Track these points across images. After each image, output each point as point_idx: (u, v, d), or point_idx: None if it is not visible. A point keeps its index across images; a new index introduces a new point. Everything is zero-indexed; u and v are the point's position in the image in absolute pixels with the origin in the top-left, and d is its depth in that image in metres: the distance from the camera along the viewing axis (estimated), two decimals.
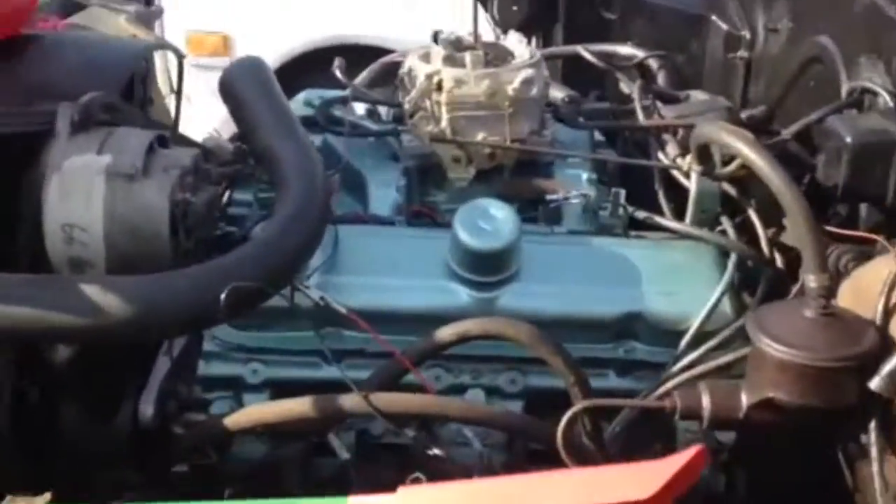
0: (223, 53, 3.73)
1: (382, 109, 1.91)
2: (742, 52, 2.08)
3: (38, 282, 1.21)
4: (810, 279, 1.23)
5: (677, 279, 1.48)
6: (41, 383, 1.35)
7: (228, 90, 1.58)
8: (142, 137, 1.36)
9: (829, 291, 1.22)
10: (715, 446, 1.43)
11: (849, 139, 1.41)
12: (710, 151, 1.50)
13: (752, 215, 1.55)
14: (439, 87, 1.64)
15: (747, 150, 1.33)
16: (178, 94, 1.84)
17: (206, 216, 1.39)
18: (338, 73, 1.94)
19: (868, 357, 1.08)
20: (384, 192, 1.66)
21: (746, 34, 2.08)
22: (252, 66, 1.61)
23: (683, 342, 1.42)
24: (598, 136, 1.90)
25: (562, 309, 1.44)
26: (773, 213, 1.56)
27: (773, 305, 1.26)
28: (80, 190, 1.29)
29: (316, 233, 1.33)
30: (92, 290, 1.16)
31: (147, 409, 1.34)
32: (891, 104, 1.47)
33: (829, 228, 1.36)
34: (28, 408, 1.36)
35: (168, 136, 1.46)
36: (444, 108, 1.63)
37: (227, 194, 1.66)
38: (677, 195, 1.66)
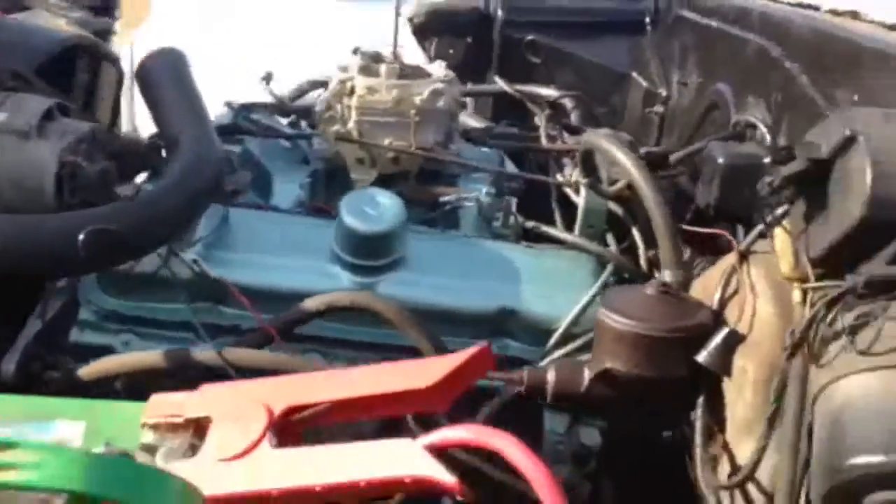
0: None
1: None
2: (658, 108, 2.20)
3: None
4: (666, 274, 1.29)
5: (555, 283, 1.52)
6: None
7: (145, 77, 1.63)
8: (41, 103, 1.41)
9: (683, 287, 1.28)
10: (581, 451, 1.45)
11: (721, 160, 1.50)
12: (594, 161, 1.58)
13: (635, 233, 1.62)
14: (351, 92, 1.72)
15: (620, 155, 1.41)
16: (117, 97, 1.91)
17: (96, 183, 1.42)
18: (265, 85, 2.01)
19: (697, 331, 1.12)
20: (288, 188, 1.71)
21: (663, 91, 2.21)
22: (170, 55, 1.67)
23: (552, 340, 1.45)
24: (511, 167, 1.98)
25: (439, 300, 1.47)
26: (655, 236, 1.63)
27: (620, 287, 1.31)
28: None
29: (195, 200, 1.36)
30: None
31: (9, 366, 1.34)
32: (767, 136, 1.56)
33: (683, 227, 1.42)
34: None
35: (71, 107, 1.51)
36: (353, 112, 1.71)
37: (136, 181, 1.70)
38: (571, 214, 1.73)
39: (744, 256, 1.17)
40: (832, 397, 0.86)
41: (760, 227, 1.16)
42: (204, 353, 1.26)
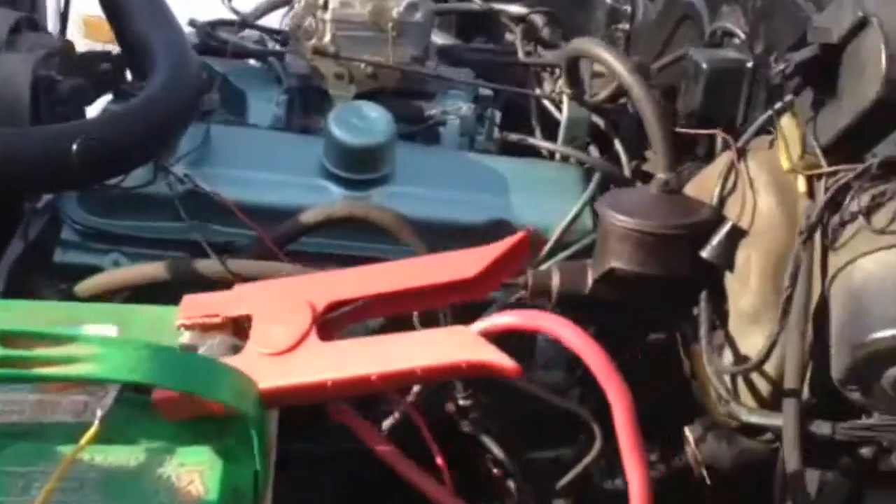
0: None
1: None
2: (623, 25, 2.19)
3: None
4: (661, 177, 1.31)
5: (544, 192, 1.53)
6: None
7: None
8: (7, 16, 1.35)
9: (678, 188, 1.30)
10: (572, 356, 1.47)
11: (705, 65, 1.51)
12: (579, 71, 1.57)
13: (618, 145, 1.63)
14: (325, 6, 1.67)
15: (611, 59, 1.40)
16: (65, 14, 1.81)
17: (71, 99, 1.36)
18: (226, 3, 1.94)
19: (700, 227, 1.15)
20: (263, 107, 1.67)
21: (627, 8, 2.20)
22: None
23: (545, 249, 1.46)
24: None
25: (431, 213, 1.47)
26: (637, 147, 1.65)
27: (620, 189, 1.33)
28: None
29: (183, 111, 1.31)
30: None
31: None
32: (745, 40, 1.58)
33: (678, 130, 1.43)
34: None
35: (40, 22, 1.44)
36: (328, 26, 1.66)
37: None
38: (552, 130, 1.73)
39: (741, 153, 1.19)
40: (851, 276, 0.89)
41: (758, 122, 1.18)
42: (207, 263, 1.23)
